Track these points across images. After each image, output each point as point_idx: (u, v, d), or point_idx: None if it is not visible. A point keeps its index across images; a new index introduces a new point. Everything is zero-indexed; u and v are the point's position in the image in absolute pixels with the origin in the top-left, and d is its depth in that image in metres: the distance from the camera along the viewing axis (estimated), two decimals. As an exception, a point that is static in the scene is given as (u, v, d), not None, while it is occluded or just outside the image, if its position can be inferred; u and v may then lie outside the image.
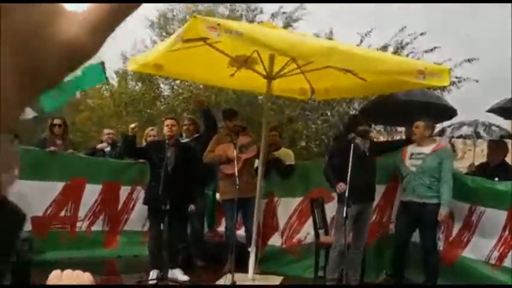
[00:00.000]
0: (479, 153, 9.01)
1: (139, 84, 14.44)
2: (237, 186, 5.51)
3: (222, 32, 4.53)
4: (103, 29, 0.43)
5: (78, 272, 1.04)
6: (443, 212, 5.34)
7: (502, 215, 5.38)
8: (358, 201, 5.31)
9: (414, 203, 5.49)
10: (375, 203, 5.86)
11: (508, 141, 7.54)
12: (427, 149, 5.60)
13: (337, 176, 5.45)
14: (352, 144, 5.30)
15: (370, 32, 11.85)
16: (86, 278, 1.03)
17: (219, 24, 4.54)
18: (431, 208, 5.39)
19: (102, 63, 7.04)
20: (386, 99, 6.82)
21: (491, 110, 7.77)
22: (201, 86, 11.77)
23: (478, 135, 9.02)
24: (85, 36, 0.42)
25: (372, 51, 7.23)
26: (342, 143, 5.69)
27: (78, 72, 6.65)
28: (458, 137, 9.72)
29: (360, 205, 5.41)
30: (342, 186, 5.32)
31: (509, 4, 11.97)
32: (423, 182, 5.47)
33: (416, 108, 6.46)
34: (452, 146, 10.21)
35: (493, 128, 8.52)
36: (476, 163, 7.32)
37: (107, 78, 7.52)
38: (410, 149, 5.74)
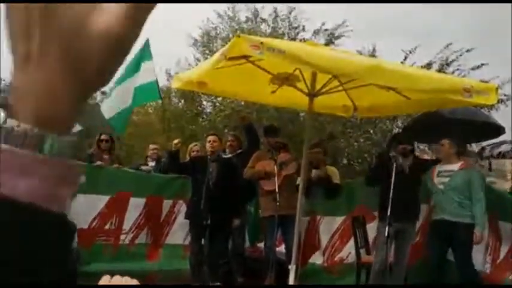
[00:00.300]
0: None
1: (182, 101, 14.73)
2: (278, 203, 5.52)
3: (264, 50, 4.59)
4: (138, 18, 0.44)
5: (126, 278, 1.08)
6: (478, 233, 5.20)
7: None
8: (399, 219, 5.24)
9: (446, 221, 5.38)
10: (418, 223, 5.75)
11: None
12: (455, 167, 5.54)
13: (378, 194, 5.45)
14: (394, 163, 5.26)
15: (415, 49, 11.74)
16: (134, 284, 1.07)
17: (262, 43, 4.60)
18: (464, 227, 5.27)
19: (157, 82, 7.24)
20: (430, 117, 6.70)
21: None
22: (243, 103, 11.90)
23: None
24: (118, 25, 0.43)
25: (417, 69, 7.14)
26: (383, 161, 5.68)
27: (130, 100, 6.94)
28: (498, 155, 9.55)
29: (401, 224, 5.33)
30: None
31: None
32: (452, 199, 5.37)
33: (462, 125, 6.32)
34: (490, 164, 10.02)
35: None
36: None
37: (161, 97, 7.71)
38: (438, 167, 5.68)
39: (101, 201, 6.66)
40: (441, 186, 5.51)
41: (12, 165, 0.41)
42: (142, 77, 7.27)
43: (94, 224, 6.64)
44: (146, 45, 7.20)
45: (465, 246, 5.31)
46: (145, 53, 7.22)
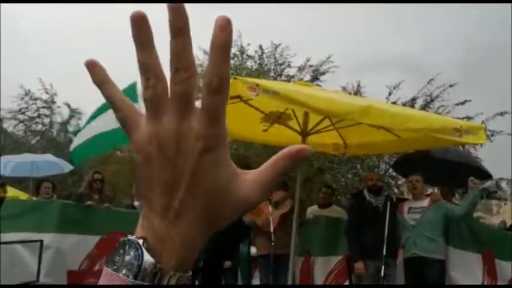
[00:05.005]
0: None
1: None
2: (273, 243, 5.50)
3: (260, 92, 4.66)
4: (271, 187, 0.50)
5: None
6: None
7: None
8: (373, 257, 5.43)
9: (418, 257, 5.40)
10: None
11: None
12: (425, 203, 5.64)
13: (357, 240, 5.65)
14: (363, 201, 5.71)
15: (399, 85, 11.96)
16: None
17: (257, 85, 4.68)
18: (436, 266, 5.33)
19: None
20: (420, 155, 6.77)
21: None
22: (229, 139, 11.88)
23: (499, 188, 9.14)
24: (255, 195, 0.48)
25: (408, 109, 7.29)
26: (356, 200, 6.08)
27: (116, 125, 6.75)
28: (482, 190, 9.77)
29: (379, 261, 5.37)
30: (358, 267, 5.56)
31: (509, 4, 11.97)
32: (424, 235, 5.43)
33: (451, 167, 6.48)
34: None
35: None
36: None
37: None
38: (409, 203, 5.78)
39: (91, 242, 6.52)
40: (413, 223, 5.57)
41: None
42: None
43: (84, 265, 6.49)
44: (132, 87, 7.08)
45: (437, 284, 5.35)
46: (130, 95, 7.12)
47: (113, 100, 0.49)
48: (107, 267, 0.46)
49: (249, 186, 0.48)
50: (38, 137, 18.21)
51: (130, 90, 7.03)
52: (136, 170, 0.48)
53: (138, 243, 0.46)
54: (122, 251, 0.46)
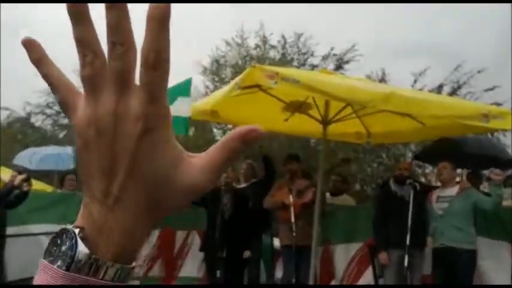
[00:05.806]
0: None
1: (193, 129, 14.75)
2: (294, 233, 5.43)
3: (279, 80, 4.59)
4: (221, 171, 0.46)
5: None
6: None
7: None
8: (397, 247, 5.32)
9: (447, 248, 5.25)
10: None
11: None
12: (453, 191, 5.45)
13: (382, 231, 5.55)
14: (389, 191, 5.56)
15: (425, 71, 11.72)
16: None
17: (277, 73, 4.61)
18: (465, 256, 5.17)
19: (189, 119, 7.00)
20: (445, 143, 6.58)
21: None
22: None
23: None
24: (203, 181, 0.44)
25: (433, 95, 7.10)
26: (381, 191, 5.97)
27: None
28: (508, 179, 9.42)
29: (402, 251, 5.26)
30: (383, 257, 5.47)
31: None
32: (452, 224, 5.26)
33: (474, 160, 6.31)
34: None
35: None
36: None
37: (188, 131, 7.56)
38: (438, 191, 5.59)
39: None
40: (440, 212, 5.41)
41: None
42: (174, 110, 7.11)
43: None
44: (187, 83, 7.05)
45: (466, 275, 5.20)
46: (185, 89, 7.08)
47: (50, 80, 0.46)
48: (43, 258, 0.43)
49: (196, 171, 0.44)
50: (65, 131, 18.51)
51: (186, 85, 7.02)
52: (77, 155, 0.45)
53: (73, 232, 0.43)
54: (59, 241, 0.43)
